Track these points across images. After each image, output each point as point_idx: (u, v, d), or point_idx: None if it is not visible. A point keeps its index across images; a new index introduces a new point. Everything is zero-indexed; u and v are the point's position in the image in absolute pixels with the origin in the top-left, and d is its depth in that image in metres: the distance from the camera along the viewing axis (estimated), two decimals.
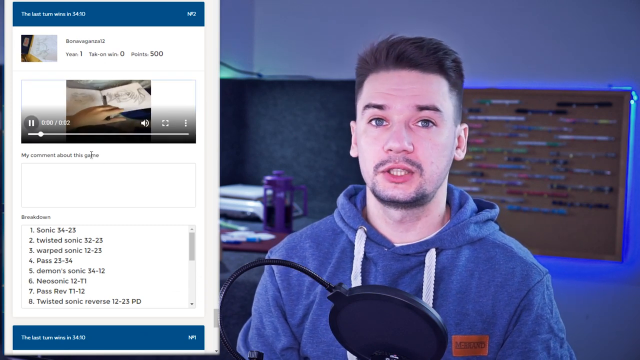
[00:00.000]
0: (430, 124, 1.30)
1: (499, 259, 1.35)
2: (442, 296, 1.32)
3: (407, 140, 1.28)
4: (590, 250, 3.54)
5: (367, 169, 1.33)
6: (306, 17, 4.00)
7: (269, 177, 3.35)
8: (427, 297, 1.31)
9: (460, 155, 1.39)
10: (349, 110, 3.82)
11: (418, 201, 1.32)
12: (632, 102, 3.47)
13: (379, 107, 1.30)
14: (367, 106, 1.32)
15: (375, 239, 1.37)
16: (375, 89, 1.32)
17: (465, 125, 1.40)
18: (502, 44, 3.70)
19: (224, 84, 3.89)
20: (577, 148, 3.55)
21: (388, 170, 1.30)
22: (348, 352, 1.33)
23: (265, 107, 4.01)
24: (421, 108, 1.29)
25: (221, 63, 3.73)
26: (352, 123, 1.43)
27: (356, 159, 1.40)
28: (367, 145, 1.33)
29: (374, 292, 1.05)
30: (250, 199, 3.55)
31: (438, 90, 1.31)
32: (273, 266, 1.44)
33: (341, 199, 1.44)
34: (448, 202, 1.42)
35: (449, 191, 1.42)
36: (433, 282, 1.32)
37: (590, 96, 3.53)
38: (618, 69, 3.53)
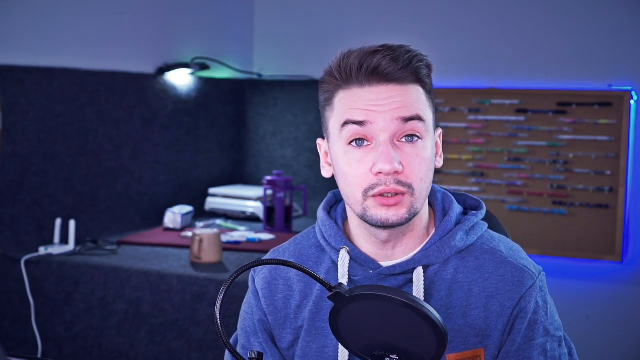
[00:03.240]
0: (415, 138, 1.23)
1: (488, 267, 1.29)
2: None
3: (397, 160, 1.20)
4: (590, 250, 3.54)
5: (354, 194, 1.25)
6: (306, 17, 3.99)
7: (269, 177, 3.35)
8: None
9: (440, 162, 1.32)
10: None
11: (410, 221, 1.26)
12: (632, 102, 3.47)
13: (360, 123, 1.22)
14: (346, 123, 1.23)
15: (359, 260, 1.30)
16: (352, 105, 1.23)
17: (439, 130, 1.32)
18: (502, 44, 3.70)
19: (224, 84, 3.89)
20: (577, 148, 3.55)
21: (379, 194, 1.22)
22: None
23: (265, 107, 4.01)
24: (406, 120, 1.21)
25: (221, 63, 3.73)
26: (319, 141, 1.34)
27: None
28: (350, 168, 1.24)
29: (374, 292, 1.05)
30: (250, 199, 3.55)
31: (418, 100, 1.24)
32: (258, 289, 1.39)
33: (320, 214, 1.37)
34: (431, 205, 1.35)
35: (432, 194, 1.34)
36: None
37: (590, 96, 3.53)
38: (618, 69, 3.53)
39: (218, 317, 1.05)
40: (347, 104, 1.24)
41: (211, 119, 3.80)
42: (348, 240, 1.33)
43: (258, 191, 3.57)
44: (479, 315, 1.27)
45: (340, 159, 1.26)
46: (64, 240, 2.85)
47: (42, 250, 2.74)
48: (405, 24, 3.79)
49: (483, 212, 1.36)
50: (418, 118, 1.23)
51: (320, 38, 3.93)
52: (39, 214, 2.88)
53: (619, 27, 3.52)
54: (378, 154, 1.21)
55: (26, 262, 2.68)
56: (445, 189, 1.40)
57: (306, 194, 3.56)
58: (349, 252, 1.31)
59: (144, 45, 3.40)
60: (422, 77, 1.25)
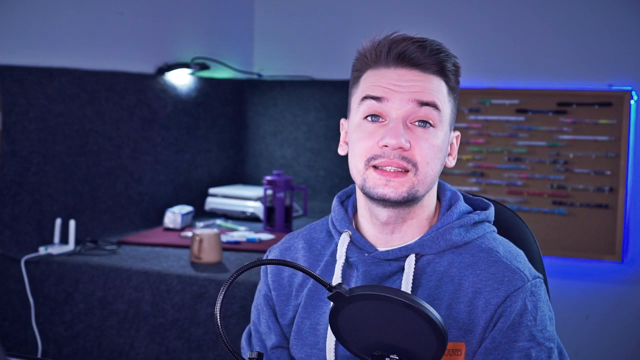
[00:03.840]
0: (428, 125, 1.27)
1: (481, 265, 1.29)
2: None
3: (405, 137, 1.24)
4: (590, 250, 3.54)
5: (356, 164, 1.30)
6: (306, 17, 3.99)
7: (269, 177, 3.35)
8: None
9: (451, 162, 1.36)
10: None
11: (408, 202, 1.28)
12: (632, 102, 3.47)
13: (377, 99, 1.27)
14: (365, 98, 1.28)
15: (358, 243, 1.35)
16: (374, 82, 1.29)
17: (457, 133, 1.37)
18: (502, 44, 3.70)
19: (224, 84, 3.89)
20: (577, 148, 3.55)
21: (380, 167, 1.27)
22: (327, 355, 1.33)
23: (265, 107, 4.01)
24: (422, 104, 1.26)
25: (221, 63, 3.73)
26: (342, 120, 1.40)
27: None
28: (359, 140, 1.29)
29: (373, 292, 1.05)
30: (250, 199, 3.55)
31: (438, 90, 1.28)
32: (268, 266, 1.45)
33: (334, 201, 1.43)
34: (439, 200, 1.38)
35: (442, 191, 1.38)
36: (410, 288, 1.28)
37: (590, 96, 3.53)
38: (618, 69, 3.53)
39: (218, 317, 1.06)
40: (370, 81, 1.30)
41: (211, 119, 3.80)
42: (353, 226, 1.38)
43: (258, 191, 3.57)
44: (464, 309, 1.27)
45: (354, 132, 1.31)
46: (64, 240, 2.85)
47: (42, 250, 2.74)
48: (405, 23, 3.77)
49: (487, 212, 1.37)
50: (433, 105, 1.27)
51: (320, 38, 3.93)
52: (39, 214, 2.88)
53: (619, 27, 3.52)
54: (388, 129, 1.26)
55: (26, 262, 2.68)
56: (464, 192, 1.43)
57: (306, 194, 3.56)
58: (350, 236, 1.36)
59: (144, 45, 3.40)
60: (447, 72, 1.30)
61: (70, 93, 2.99)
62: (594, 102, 3.52)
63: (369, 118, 1.28)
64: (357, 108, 1.30)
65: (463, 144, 3.70)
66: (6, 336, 2.70)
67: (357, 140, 1.29)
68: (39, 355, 2.66)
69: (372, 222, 1.34)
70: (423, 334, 1.04)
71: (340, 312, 1.08)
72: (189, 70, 3.54)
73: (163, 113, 3.46)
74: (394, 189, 1.26)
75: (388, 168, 1.26)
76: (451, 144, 1.35)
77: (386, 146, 1.25)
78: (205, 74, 3.66)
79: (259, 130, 4.02)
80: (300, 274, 1.41)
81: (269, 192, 3.32)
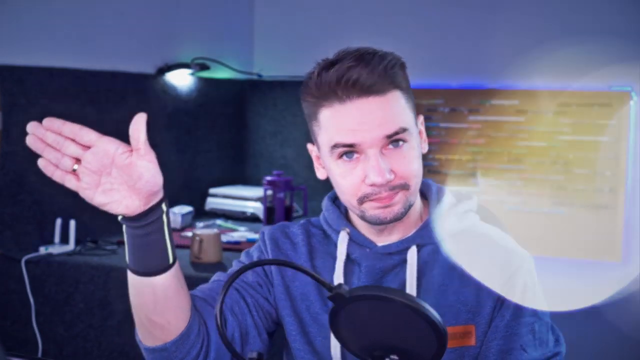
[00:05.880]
0: (401, 142, 1.29)
1: (480, 249, 1.36)
2: (425, 290, 1.34)
3: (387, 170, 1.26)
4: (590, 250, 3.54)
5: (349, 201, 1.32)
6: (306, 17, 3.99)
7: (269, 177, 3.35)
8: (411, 293, 1.31)
9: (425, 147, 1.37)
10: None
11: (405, 215, 1.32)
12: (632, 102, 3.47)
13: (349, 145, 1.27)
14: (336, 146, 1.29)
15: (357, 240, 1.38)
16: (339, 125, 1.28)
17: (421, 118, 1.37)
18: (502, 44, 3.70)
19: (224, 84, 3.89)
20: (577, 148, 3.55)
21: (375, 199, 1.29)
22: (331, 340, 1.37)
23: (265, 107, 4.01)
24: (390, 136, 1.27)
25: (221, 63, 3.73)
26: (309, 146, 1.42)
27: None
28: (343, 180, 1.30)
29: (374, 292, 1.05)
30: (250, 199, 3.55)
31: (398, 108, 1.28)
32: (267, 244, 1.46)
33: (325, 202, 1.45)
34: (425, 197, 1.43)
35: (427, 186, 1.43)
36: (415, 278, 1.34)
37: (590, 96, 3.53)
38: (618, 69, 3.53)
39: (218, 317, 1.06)
40: (333, 124, 1.29)
41: (211, 119, 3.80)
42: (349, 223, 1.41)
43: (258, 191, 3.57)
44: (471, 292, 1.33)
45: (333, 171, 1.33)
46: (64, 240, 2.85)
47: (42, 250, 2.74)
48: (405, 23, 3.79)
49: (472, 202, 1.44)
50: (401, 131, 1.28)
51: (320, 38, 3.93)
52: (39, 214, 2.88)
53: (619, 27, 3.52)
54: (369, 166, 1.27)
55: (26, 262, 2.68)
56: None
57: (306, 194, 3.56)
58: (348, 233, 1.39)
59: (144, 45, 3.40)
60: (399, 83, 1.29)
61: (70, 93, 2.99)
62: (593, 103, 3.52)
63: (344, 157, 1.29)
64: (329, 151, 1.30)
65: (463, 144, 3.70)
66: (7, 336, 2.70)
67: (340, 179, 1.31)
68: (40, 355, 2.66)
69: (369, 228, 1.38)
70: (423, 334, 1.04)
71: (340, 313, 1.08)
72: (189, 71, 3.54)
73: (163, 113, 3.46)
74: (390, 210, 1.30)
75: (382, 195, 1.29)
76: (420, 132, 1.36)
77: (374, 184, 1.27)
78: (205, 74, 3.66)
79: (259, 130, 4.02)
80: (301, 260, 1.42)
81: (269, 192, 3.32)
